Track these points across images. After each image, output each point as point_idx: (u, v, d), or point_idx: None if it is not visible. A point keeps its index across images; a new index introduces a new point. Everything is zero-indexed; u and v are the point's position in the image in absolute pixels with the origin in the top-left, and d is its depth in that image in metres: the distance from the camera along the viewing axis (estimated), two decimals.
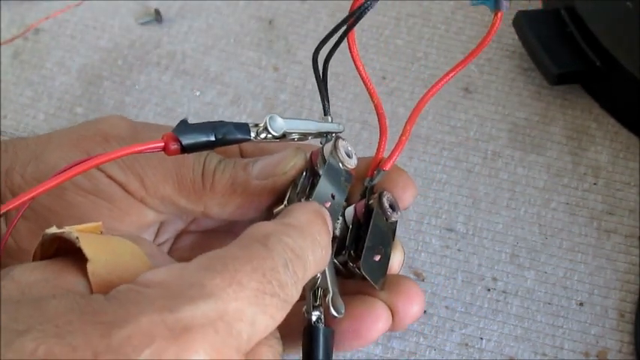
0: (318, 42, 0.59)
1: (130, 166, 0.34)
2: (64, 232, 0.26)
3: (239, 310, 0.24)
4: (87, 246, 0.25)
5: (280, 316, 0.26)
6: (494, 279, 0.48)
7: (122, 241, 0.28)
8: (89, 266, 0.25)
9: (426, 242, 0.49)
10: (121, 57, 0.59)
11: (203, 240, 0.40)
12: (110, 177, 0.34)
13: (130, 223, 0.36)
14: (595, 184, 0.51)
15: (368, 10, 0.33)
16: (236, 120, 0.55)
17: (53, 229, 0.26)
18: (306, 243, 0.28)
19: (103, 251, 0.26)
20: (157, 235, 0.39)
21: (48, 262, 0.26)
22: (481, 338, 0.46)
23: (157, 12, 0.60)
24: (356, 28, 0.59)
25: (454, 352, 0.46)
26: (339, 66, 0.57)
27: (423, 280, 0.48)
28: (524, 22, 0.55)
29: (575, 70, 0.54)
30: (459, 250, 0.49)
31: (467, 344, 0.46)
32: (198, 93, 0.57)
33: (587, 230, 0.50)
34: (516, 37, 0.56)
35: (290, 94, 0.56)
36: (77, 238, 0.25)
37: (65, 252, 0.26)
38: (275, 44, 0.59)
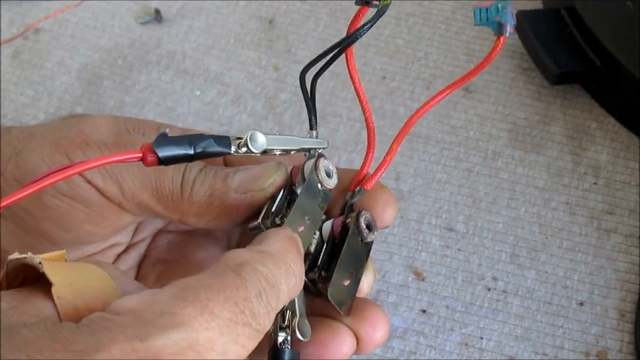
0: (318, 41, 0.59)
1: (109, 171, 0.34)
2: (26, 258, 0.26)
3: (210, 339, 0.24)
4: (50, 271, 0.25)
5: (252, 345, 0.26)
6: (495, 279, 0.48)
7: (86, 265, 0.28)
8: (54, 290, 0.25)
9: (426, 242, 0.49)
10: (121, 57, 0.59)
11: (181, 240, 0.40)
12: (89, 182, 0.34)
13: (106, 226, 0.36)
14: (595, 183, 0.51)
15: (360, 36, 0.33)
16: (236, 119, 0.55)
17: (15, 255, 0.26)
18: (281, 272, 0.28)
19: (67, 275, 0.26)
20: (134, 233, 0.39)
21: (14, 290, 0.26)
22: (481, 338, 0.46)
23: (157, 12, 0.60)
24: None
25: (454, 351, 0.46)
26: (340, 66, 0.57)
27: (423, 280, 0.48)
28: (524, 21, 0.55)
29: (575, 70, 0.54)
30: (459, 249, 0.49)
31: (467, 344, 0.46)
32: (198, 93, 0.57)
33: (588, 230, 0.50)
34: (516, 36, 0.56)
35: (290, 94, 0.56)
36: (40, 263, 0.25)
37: (31, 282, 0.26)
38: (275, 44, 0.59)
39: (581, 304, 0.47)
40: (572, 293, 0.47)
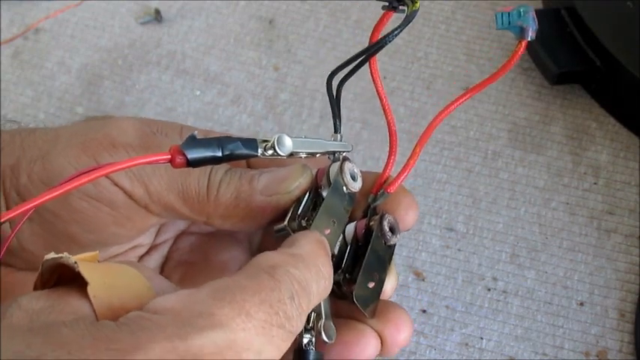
0: (318, 41, 0.59)
1: (135, 173, 0.34)
2: (62, 257, 0.26)
3: (247, 340, 0.25)
4: (85, 270, 0.26)
5: (285, 346, 0.27)
6: (495, 279, 0.48)
7: (119, 265, 0.28)
8: (90, 289, 0.25)
9: (426, 242, 0.49)
10: (121, 57, 0.59)
11: (203, 241, 0.40)
12: (116, 184, 0.34)
13: (131, 228, 0.36)
14: (595, 183, 0.51)
15: (386, 44, 0.33)
16: (236, 119, 0.55)
17: (51, 255, 0.26)
18: (311, 275, 0.29)
19: (101, 275, 0.26)
20: (156, 234, 0.39)
21: (50, 290, 0.26)
22: (481, 338, 0.46)
23: (157, 12, 0.60)
24: (356, 28, 0.59)
25: (454, 351, 0.46)
26: None
27: (423, 280, 0.48)
28: None
29: (575, 69, 0.54)
30: (459, 249, 0.49)
31: (467, 344, 0.46)
32: (198, 92, 0.57)
33: (588, 230, 0.50)
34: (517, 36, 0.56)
35: (290, 94, 0.56)
36: (75, 262, 0.26)
37: (65, 282, 0.27)
38: (275, 44, 0.59)
39: (581, 304, 0.47)
40: (572, 293, 0.47)
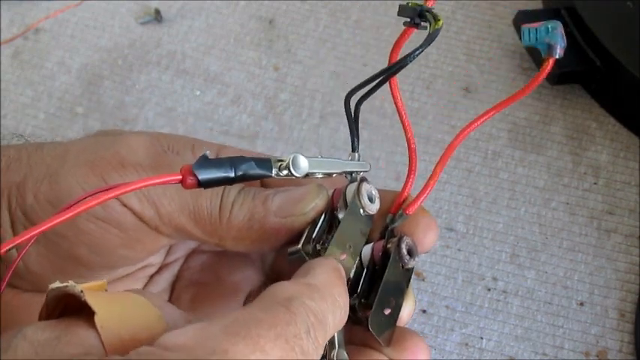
0: (318, 41, 0.59)
1: (145, 194, 0.33)
2: (67, 287, 0.25)
3: None
4: (92, 300, 0.25)
5: None
6: (495, 279, 0.48)
7: (128, 294, 0.27)
8: (97, 319, 0.25)
9: None
10: (121, 57, 0.59)
11: (214, 261, 0.39)
12: (125, 205, 0.33)
13: (141, 250, 0.35)
14: (595, 183, 0.51)
15: (407, 64, 0.33)
16: (236, 119, 0.55)
17: (56, 284, 0.25)
18: (327, 306, 0.28)
19: (109, 304, 0.25)
20: (167, 253, 0.39)
21: (56, 320, 0.26)
22: (481, 338, 0.46)
23: (157, 12, 0.60)
24: (356, 28, 0.59)
25: (454, 351, 0.46)
26: (340, 65, 0.57)
27: (423, 280, 0.48)
28: (524, 21, 0.55)
29: (575, 70, 0.54)
30: (459, 249, 0.49)
31: (467, 344, 0.46)
32: (198, 92, 0.57)
33: (588, 230, 0.50)
34: (516, 36, 0.56)
35: (290, 94, 0.56)
36: (82, 291, 0.25)
37: (72, 312, 0.26)
38: (275, 44, 0.59)
39: (581, 304, 0.47)
40: (572, 293, 0.47)
